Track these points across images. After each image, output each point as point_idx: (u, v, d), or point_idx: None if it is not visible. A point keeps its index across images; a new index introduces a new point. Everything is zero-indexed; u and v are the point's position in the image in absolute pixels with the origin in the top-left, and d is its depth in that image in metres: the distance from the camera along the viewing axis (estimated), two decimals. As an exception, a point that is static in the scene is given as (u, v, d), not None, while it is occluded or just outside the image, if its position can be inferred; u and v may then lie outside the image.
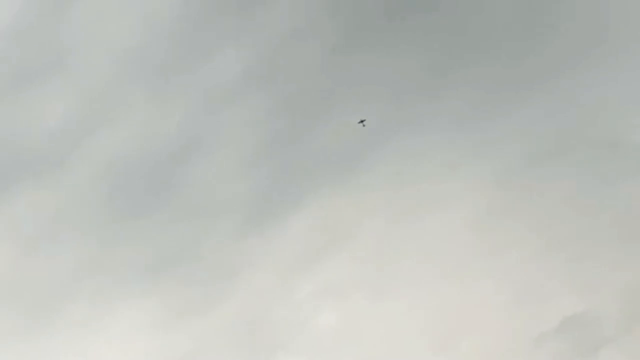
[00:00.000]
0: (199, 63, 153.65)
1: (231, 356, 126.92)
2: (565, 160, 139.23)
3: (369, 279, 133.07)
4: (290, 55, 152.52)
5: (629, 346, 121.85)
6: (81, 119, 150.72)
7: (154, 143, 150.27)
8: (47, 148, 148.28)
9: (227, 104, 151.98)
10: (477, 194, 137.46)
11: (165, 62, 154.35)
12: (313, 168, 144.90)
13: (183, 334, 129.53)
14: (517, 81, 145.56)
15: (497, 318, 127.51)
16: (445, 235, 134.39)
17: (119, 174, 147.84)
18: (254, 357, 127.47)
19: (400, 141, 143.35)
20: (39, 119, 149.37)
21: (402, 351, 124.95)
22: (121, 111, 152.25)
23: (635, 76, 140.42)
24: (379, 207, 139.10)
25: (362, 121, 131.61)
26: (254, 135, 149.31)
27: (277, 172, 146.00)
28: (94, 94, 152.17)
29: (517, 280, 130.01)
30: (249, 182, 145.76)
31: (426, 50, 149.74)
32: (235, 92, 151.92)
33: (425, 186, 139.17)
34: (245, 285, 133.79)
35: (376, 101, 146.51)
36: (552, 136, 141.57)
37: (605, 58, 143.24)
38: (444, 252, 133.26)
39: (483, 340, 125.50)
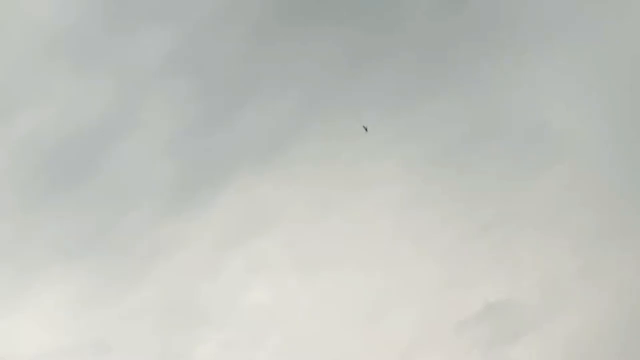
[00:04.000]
0: (119, 45, 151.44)
1: (156, 333, 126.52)
2: (491, 146, 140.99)
3: (298, 258, 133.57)
4: (213, 39, 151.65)
5: (550, 334, 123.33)
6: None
7: (73, 126, 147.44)
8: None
9: (148, 87, 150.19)
10: (405, 177, 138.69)
11: (84, 43, 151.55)
12: (238, 150, 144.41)
13: (104, 314, 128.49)
14: (444, 67, 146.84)
15: (422, 301, 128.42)
16: (373, 217, 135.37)
17: (35, 157, 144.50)
18: (179, 333, 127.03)
19: (328, 123, 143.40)
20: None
21: (328, 328, 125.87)
22: (38, 93, 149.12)
23: (559, 64, 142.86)
24: (306, 187, 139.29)
25: (365, 128, 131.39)
26: (176, 118, 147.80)
27: (201, 155, 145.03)
28: (11, 75, 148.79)
29: (443, 263, 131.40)
30: (171, 165, 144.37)
31: (350, 36, 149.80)
32: (156, 74, 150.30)
33: (354, 168, 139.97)
34: (169, 266, 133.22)
35: (302, 85, 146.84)
36: (480, 122, 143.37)
37: (531, 45, 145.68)
38: (372, 234, 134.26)
39: (406, 322, 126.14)
